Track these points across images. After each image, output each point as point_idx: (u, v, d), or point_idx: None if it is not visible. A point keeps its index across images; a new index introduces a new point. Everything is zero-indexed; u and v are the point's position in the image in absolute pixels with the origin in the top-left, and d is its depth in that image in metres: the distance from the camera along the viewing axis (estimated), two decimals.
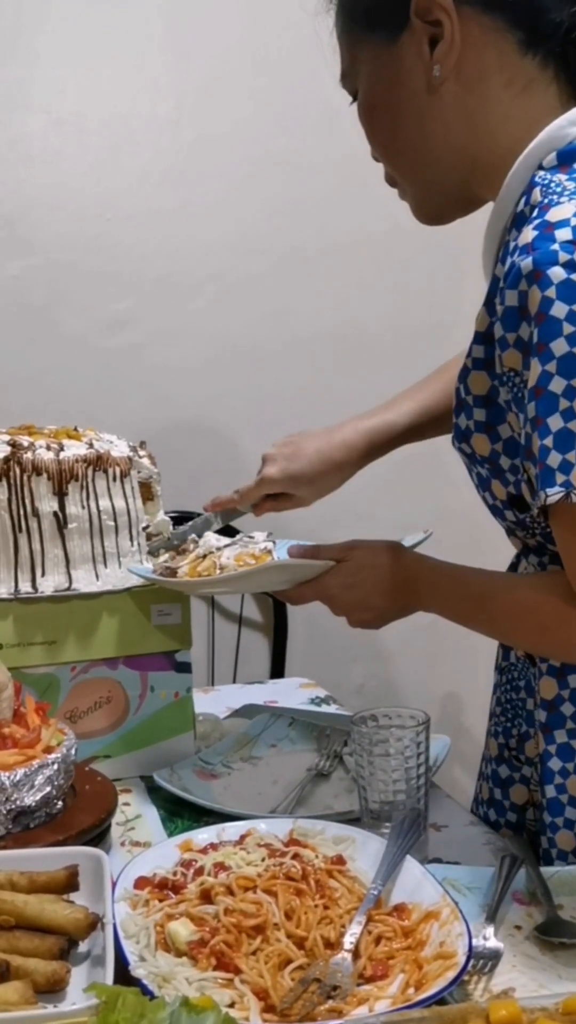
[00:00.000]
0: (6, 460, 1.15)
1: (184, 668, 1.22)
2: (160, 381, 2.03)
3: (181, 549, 1.21)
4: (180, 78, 2.00)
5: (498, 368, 0.91)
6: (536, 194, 0.88)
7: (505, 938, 0.85)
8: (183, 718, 1.22)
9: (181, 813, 1.12)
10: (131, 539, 1.22)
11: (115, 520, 1.20)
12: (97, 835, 1.01)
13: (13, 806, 0.96)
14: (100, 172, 1.98)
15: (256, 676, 2.03)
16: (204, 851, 0.93)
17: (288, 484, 1.24)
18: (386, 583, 1.04)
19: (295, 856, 0.89)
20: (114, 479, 1.20)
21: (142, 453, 1.29)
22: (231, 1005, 0.74)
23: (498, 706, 1.13)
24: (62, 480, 1.16)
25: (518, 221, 0.90)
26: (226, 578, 1.10)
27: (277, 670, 2.14)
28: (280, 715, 1.36)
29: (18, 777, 0.96)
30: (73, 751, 1.04)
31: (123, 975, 0.75)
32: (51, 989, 0.77)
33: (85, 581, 1.17)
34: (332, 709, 1.50)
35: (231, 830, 0.97)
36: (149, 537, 1.28)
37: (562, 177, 0.87)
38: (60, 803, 1.01)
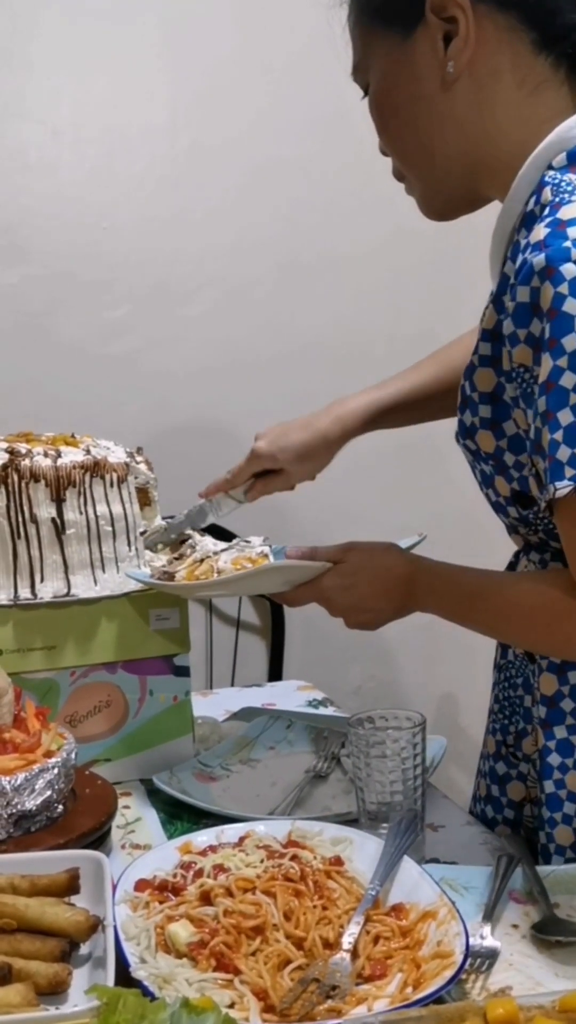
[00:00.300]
0: (4, 467, 1.16)
1: (183, 672, 1.23)
2: (157, 388, 2.04)
3: (179, 554, 1.22)
4: (176, 87, 2.01)
5: (506, 365, 0.92)
6: (546, 193, 0.89)
7: (502, 937, 0.85)
8: (182, 721, 1.23)
9: (181, 815, 1.13)
10: (129, 544, 1.23)
11: (113, 526, 1.20)
12: (97, 838, 1.01)
13: (14, 810, 0.97)
14: (97, 181, 1.99)
15: (254, 679, 2.04)
16: (203, 853, 0.93)
17: (277, 454, 1.25)
18: (383, 584, 1.05)
19: (294, 857, 0.90)
20: (111, 485, 1.21)
21: (139, 459, 1.30)
22: (231, 1006, 0.74)
23: (496, 703, 1.13)
24: (60, 486, 1.16)
25: (528, 220, 0.91)
26: (224, 581, 1.10)
27: (275, 673, 2.14)
28: (278, 717, 1.36)
29: (19, 781, 0.97)
30: (73, 755, 1.04)
31: (124, 977, 0.76)
32: (53, 991, 0.77)
33: (84, 586, 1.18)
34: (329, 711, 1.50)
35: (230, 832, 0.97)
36: None
37: (572, 177, 0.88)
38: (60, 807, 1.01)
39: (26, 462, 1.16)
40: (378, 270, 2.13)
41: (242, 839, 0.96)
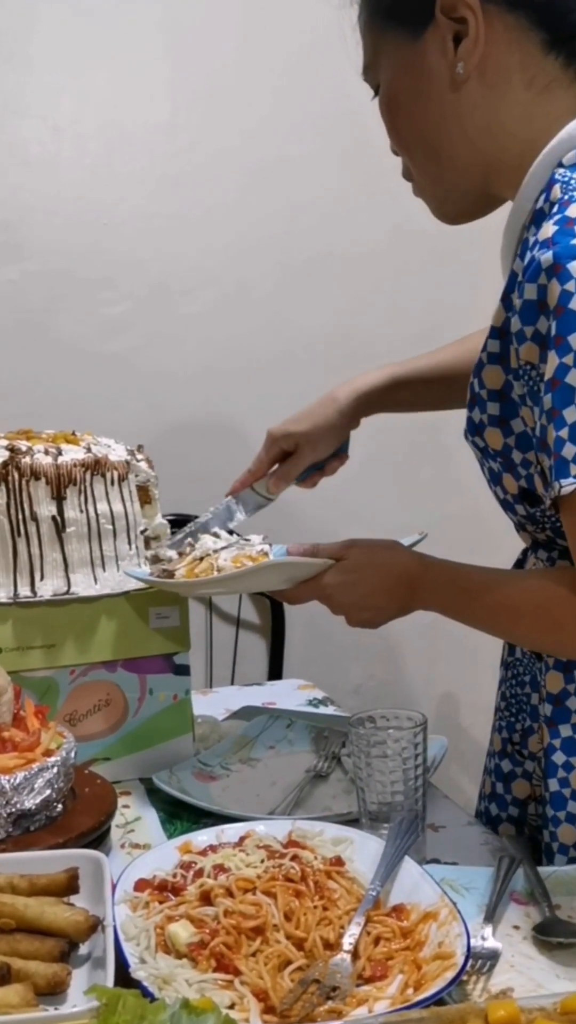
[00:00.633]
0: (4, 465, 1.15)
1: (182, 670, 1.22)
2: (157, 386, 2.03)
3: (179, 552, 1.21)
4: (176, 84, 2.01)
5: (513, 362, 0.92)
6: (556, 191, 0.89)
7: (503, 938, 0.85)
8: (182, 720, 1.23)
9: (180, 815, 1.12)
10: (129, 543, 1.22)
11: (113, 524, 1.20)
12: (97, 837, 1.01)
13: (13, 809, 0.96)
14: (97, 178, 1.98)
15: (254, 678, 2.04)
16: (203, 853, 0.93)
17: (291, 431, 1.25)
18: (385, 581, 1.04)
19: (294, 857, 0.90)
20: (112, 483, 1.20)
21: (140, 457, 1.29)
22: (231, 1006, 0.74)
23: (503, 701, 1.13)
24: (60, 484, 1.16)
25: (537, 218, 0.91)
26: (225, 578, 1.10)
27: (275, 672, 2.14)
28: (278, 717, 1.36)
29: (18, 780, 0.97)
30: (72, 754, 1.04)
31: (123, 977, 0.75)
32: (52, 991, 0.77)
33: (84, 585, 1.18)
34: (330, 710, 1.50)
35: (230, 832, 0.97)
36: (147, 541, 1.29)
37: None
38: (60, 806, 1.01)
39: (26, 460, 1.15)
40: (378, 270, 2.13)
41: (242, 839, 0.95)
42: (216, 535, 1.19)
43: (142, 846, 1.05)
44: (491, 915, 0.87)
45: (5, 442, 1.20)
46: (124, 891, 0.87)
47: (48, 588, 1.16)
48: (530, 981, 0.80)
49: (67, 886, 0.86)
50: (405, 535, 1.20)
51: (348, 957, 0.79)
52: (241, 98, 2.03)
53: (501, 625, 1.01)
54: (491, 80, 0.92)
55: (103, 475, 1.19)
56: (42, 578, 1.16)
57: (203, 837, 0.96)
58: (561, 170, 0.90)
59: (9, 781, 0.96)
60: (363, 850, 0.93)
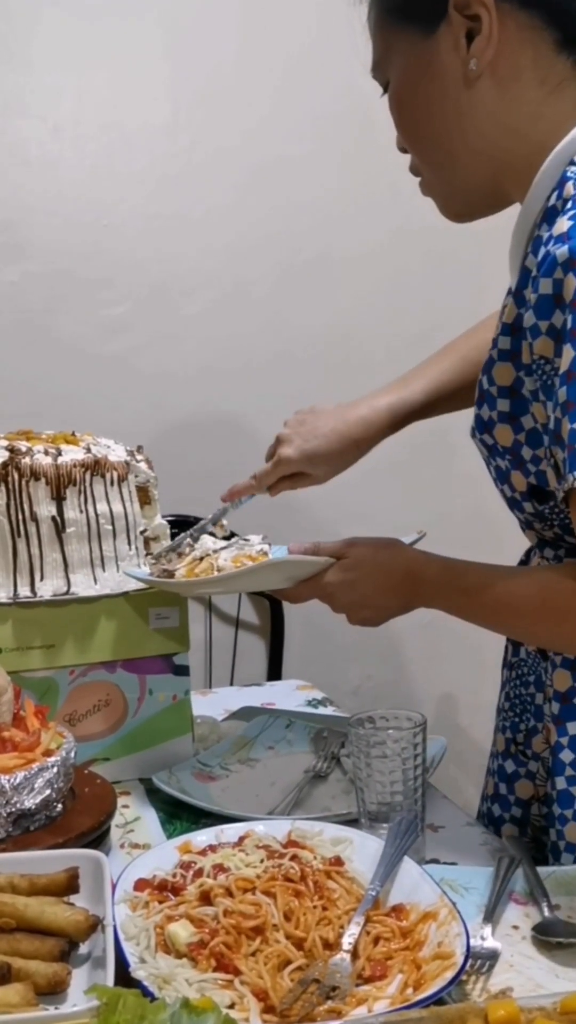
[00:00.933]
0: (4, 465, 1.15)
1: (182, 671, 1.22)
2: (157, 386, 2.03)
3: (178, 552, 1.21)
4: (177, 85, 2.01)
5: (526, 358, 0.92)
6: (568, 188, 0.89)
7: (503, 938, 0.85)
8: (181, 720, 1.23)
9: (180, 815, 1.13)
10: (129, 543, 1.22)
11: (113, 524, 1.20)
12: (97, 837, 1.01)
13: (13, 809, 0.97)
14: (96, 179, 1.99)
15: (253, 678, 2.04)
16: (203, 853, 0.93)
17: (305, 463, 1.24)
18: (386, 580, 1.04)
19: (293, 857, 0.90)
20: (112, 483, 1.20)
21: (139, 457, 1.29)
22: (231, 1006, 0.74)
23: (507, 701, 1.13)
24: (60, 485, 1.16)
25: (549, 215, 0.91)
26: (225, 577, 1.10)
27: (274, 672, 2.14)
28: (277, 717, 1.36)
29: (18, 780, 0.97)
30: (72, 754, 1.04)
31: (123, 977, 0.75)
32: (52, 991, 0.77)
33: (83, 585, 1.18)
34: (329, 711, 1.50)
35: (230, 832, 0.97)
36: (147, 542, 1.29)
37: None
38: (60, 806, 1.01)
39: (26, 460, 1.16)
40: (378, 270, 2.13)
41: (242, 839, 0.95)
42: (212, 534, 1.19)
43: (142, 846, 1.05)
44: (490, 915, 0.87)
45: (5, 442, 1.20)
46: (124, 891, 0.87)
47: (48, 588, 1.17)
48: (529, 981, 0.80)
49: (67, 886, 0.86)
50: (406, 534, 1.20)
51: (348, 957, 0.79)
52: (241, 98, 2.03)
53: (504, 621, 1.00)
54: (503, 78, 0.92)
55: (103, 475, 1.19)
56: (42, 578, 1.16)
57: (203, 837, 0.96)
58: (573, 168, 0.90)
59: (9, 781, 0.96)
60: (362, 850, 0.93)
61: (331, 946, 0.80)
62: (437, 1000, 0.72)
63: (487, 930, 0.85)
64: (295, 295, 2.10)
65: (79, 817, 1.01)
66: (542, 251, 0.88)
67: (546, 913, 0.88)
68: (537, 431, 0.94)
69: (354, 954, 0.79)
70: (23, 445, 1.19)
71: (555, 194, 0.91)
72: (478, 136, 0.95)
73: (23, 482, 1.15)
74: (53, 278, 1.97)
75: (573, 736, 0.99)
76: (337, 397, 1.31)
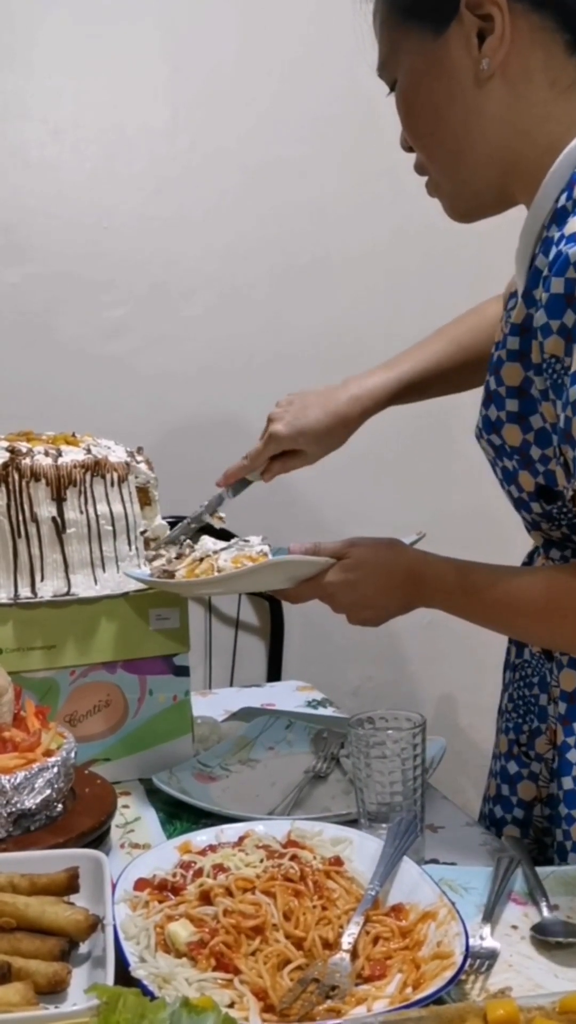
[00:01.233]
0: (5, 466, 1.16)
1: (182, 672, 1.23)
2: (157, 387, 2.03)
3: (178, 553, 1.21)
4: (176, 87, 2.01)
5: (535, 358, 0.92)
6: None
7: (502, 938, 0.85)
8: (181, 721, 1.23)
9: (180, 815, 1.13)
10: (129, 544, 1.23)
11: (113, 525, 1.20)
12: (97, 837, 1.01)
13: (13, 809, 0.97)
14: (97, 181, 1.99)
15: (253, 679, 2.04)
16: (203, 853, 0.93)
17: (296, 439, 1.25)
18: (387, 580, 1.04)
19: (293, 857, 0.90)
20: (112, 484, 1.21)
21: (139, 458, 1.30)
22: (231, 1005, 0.74)
23: (509, 703, 1.13)
24: (60, 485, 1.16)
25: (559, 216, 0.91)
26: (225, 577, 1.10)
27: (274, 673, 2.14)
28: (278, 718, 1.36)
29: (18, 780, 0.97)
30: (73, 754, 1.04)
31: (123, 976, 0.76)
32: (52, 990, 0.77)
33: (84, 585, 1.18)
34: (329, 712, 1.50)
35: (229, 832, 0.97)
36: (147, 542, 1.29)
37: None
38: (60, 806, 1.01)
39: (27, 461, 1.16)
40: (377, 271, 2.13)
41: (242, 839, 0.95)
42: (210, 524, 1.19)
43: (142, 846, 1.05)
44: (490, 915, 0.87)
45: (5, 443, 1.21)
46: (124, 890, 0.87)
47: (48, 589, 1.17)
48: (528, 981, 0.80)
49: (67, 885, 0.86)
50: (406, 534, 1.20)
51: (347, 956, 0.79)
52: (240, 100, 2.03)
53: (507, 620, 1.00)
54: (514, 79, 0.92)
55: (103, 476, 1.19)
56: (42, 579, 1.17)
57: (202, 837, 0.97)
58: None
59: (9, 781, 0.97)
60: (362, 850, 0.93)
61: (330, 946, 0.80)
62: (436, 1000, 0.72)
63: (486, 930, 0.85)
64: (295, 296, 2.11)
65: (79, 817, 1.01)
66: (553, 251, 0.88)
67: (545, 913, 0.88)
68: (546, 431, 0.94)
69: (353, 954, 0.79)
70: (23, 446, 1.19)
71: (564, 195, 0.91)
72: (486, 136, 0.95)
73: (23, 483, 1.15)
74: (53, 280, 1.97)
75: None
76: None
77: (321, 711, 1.51)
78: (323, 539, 1.08)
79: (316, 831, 0.96)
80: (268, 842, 0.94)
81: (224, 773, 1.23)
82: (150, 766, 1.20)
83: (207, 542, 1.19)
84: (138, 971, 0.76)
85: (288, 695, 1.59)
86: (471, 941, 0.79)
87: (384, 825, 0.96)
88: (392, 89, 0.99)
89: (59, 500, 1.16)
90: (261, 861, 0.90)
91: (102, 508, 1.19)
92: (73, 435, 1.28)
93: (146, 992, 0.72)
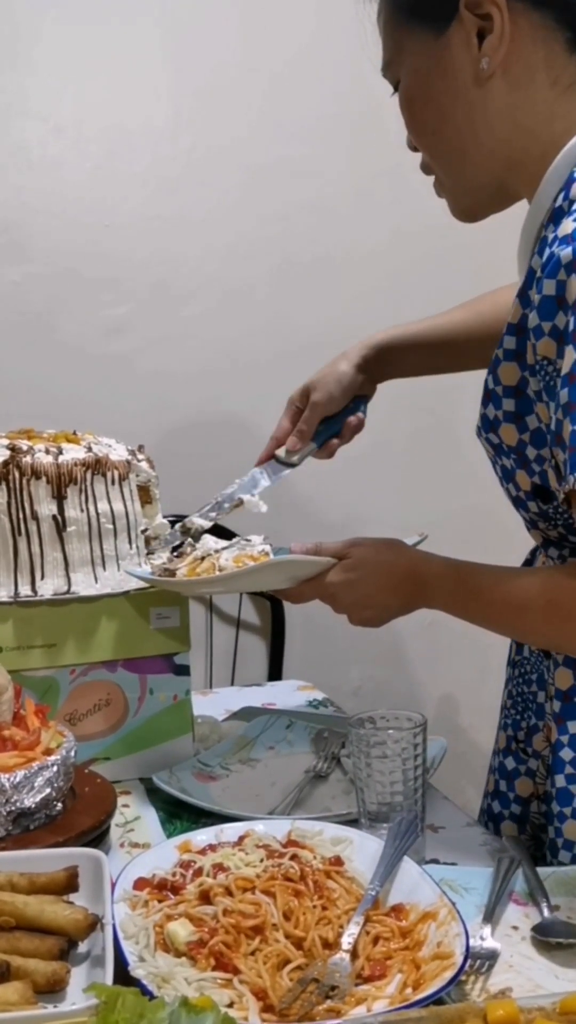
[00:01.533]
0: (5, 464, 1.15)
1: (183, 671, 1.22)
2: (157, 386, 2.03)
3: (179, 552, 1.21)
4: (178, 86, 2.01)
5: (530, 358, 0.92)
6: (575, 189, 0.89)
7: (502, 938, 0.85)
8: (182, 720, 1.23)
9: (180, 815, 1.13)
10: (130, 542, 1.22)
11: (114, 523, 1.20)
12: (96, 836, 1.01)
13: (13, 808, 0.97)
14: (98, 180, 1.99)
15: (254, 679, 2.04)
16: (203, 852, 0.93)
17: (305, 387, 1.28)
18: (388, 580, 1.04)
19: (293, 857, 0.90)
20: (113, 483, 1.20)
21: (140, 457, 1.30)
22: (230, 1005, 0.74)
23: (509, 699, 1.13)
24: (61, 484, 1.16)
25: (556, 216, 0.91)
26: (226, 576, 1.10)
27: (275, 673, 2.14)
28: (278, 717, 1.36)
29: (18, 779, 0.97)
30: (72, 753, 1.04)
31: (123, 975, 0.75)
32: (51, 989, 0.77)
33: (84, 584, 1.18)
34: (329, 711, 1.50)
35: (229, 831, 0.97)
36: (147, 540, 1.29)
37: None
38: (60, 805, 1.01)
39: (27, 459, 1.16)
40: (378, 271, 2.13)
41: (242, 838, 0.95)
42: (192, 545, 1.18)
43: (141, 845, 1.05)
44: (490, 915, 0.87)
45: (6, 441, 1.20)
46: (123, 890, 0.87)
47: (49, 587, 1.17)
48: (529, 981, 0.80)
49: (67, 884, 0.86)
50: (408, 535, 1.20)
51: (347, 956, 0.79)
52: (241, 99, 2.03)
53: (507, 620, 0.99)
54: (515, 77, 0.92)
55: (104, 474, 1.19)
56: (43, 577, 1.16)
57: (202, 836, 0.96)
58: None
59: (9, 779, 0.96)
60: (362, 850, 0.93)
61: (330, 946, 0.80)
62: (436, 1000, 0.72)
63: (486, 930, 0.85)
64: (295, 295, 2.10)
65: (79, 816, 1.01)
66: (547, 252, 0.88)
67: (546, 913, 0.88)
68: (541, 431, 0.94)
69: (353, 954, 0.79)
70: (24, 444, 1.19)
71: (562, 195, 0.91)
72: (489, 134, 0.95)
73: (24, 481, 1.15)
74: (55, 279, 1.97)
75: (573, 735, 1.00)
76: None
77: (322, 711, 1.51)
78: (325, 539, 1.08)
79: (316, 831, 0.96)
80: (268, 842, 0.94)
81: (224, 772, 1.23)
82: (150, 765, 1.20)
83: (208, 541, 1.19)
84: (137, 970, 0.76)
85: (289, 695, 1.59)
86: (471, 941, 0.79)
87: (384, 825, 0.96)
88: (396, 89, 1.00)
89: (60, 498, 1.16)
90: (261, 861, 0.90)
91: (103, 506, 1.19)
92: (74, 433, 1.28)
93: (145, 992, 0.72)
